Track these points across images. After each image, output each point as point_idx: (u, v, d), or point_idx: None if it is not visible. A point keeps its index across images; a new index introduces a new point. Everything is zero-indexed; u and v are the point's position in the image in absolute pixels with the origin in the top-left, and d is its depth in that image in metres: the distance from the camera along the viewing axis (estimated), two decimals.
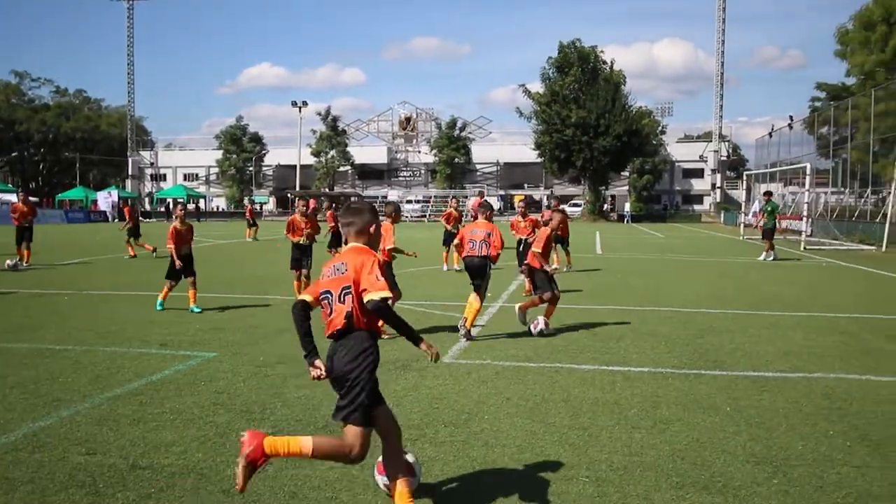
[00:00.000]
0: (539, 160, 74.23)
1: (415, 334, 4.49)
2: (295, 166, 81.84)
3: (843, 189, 43.27)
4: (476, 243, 9.69)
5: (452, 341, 9.31)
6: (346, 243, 4.52)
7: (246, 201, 66.34)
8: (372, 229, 4.47)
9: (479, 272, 9.69)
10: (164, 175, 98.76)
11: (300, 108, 76.99)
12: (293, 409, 6.35)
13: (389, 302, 4.22)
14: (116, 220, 64.01)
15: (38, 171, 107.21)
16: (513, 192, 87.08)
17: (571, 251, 18.88)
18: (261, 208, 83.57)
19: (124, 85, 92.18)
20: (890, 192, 31.35)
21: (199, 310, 11.50)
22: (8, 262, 18.26)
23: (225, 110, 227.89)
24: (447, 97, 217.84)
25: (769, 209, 23.23)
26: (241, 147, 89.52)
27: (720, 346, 9.11)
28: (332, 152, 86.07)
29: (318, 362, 4.53)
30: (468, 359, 8.35)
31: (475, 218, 10.63)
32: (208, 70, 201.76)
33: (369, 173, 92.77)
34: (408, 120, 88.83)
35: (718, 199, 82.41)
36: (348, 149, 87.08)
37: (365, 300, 4.20)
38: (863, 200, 39.22)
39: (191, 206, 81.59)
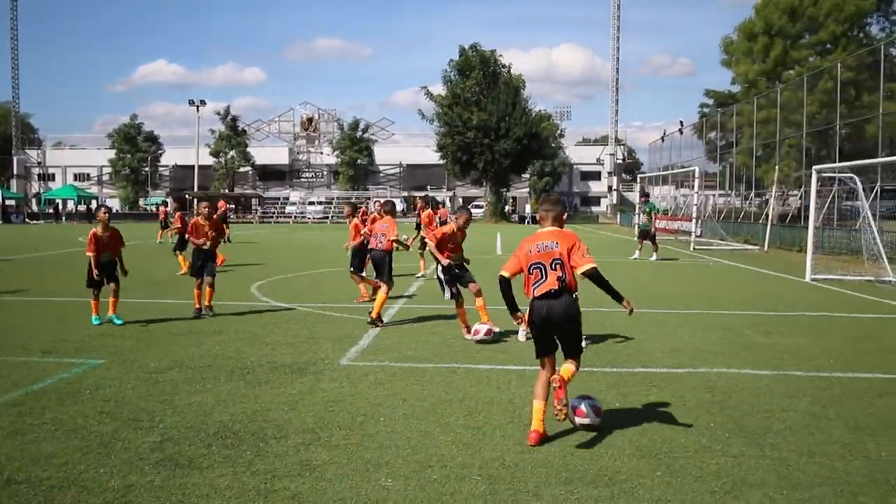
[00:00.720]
0: (441, 162, 74.70)
1: (617, 293, 6.05)
2: (193, 167, 79.67)
3: (729, 192, 45.32)
4: (378, 237, 11.09)
5: (350, 343, 9.28)
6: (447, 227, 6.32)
7: (170, 204, 63.00)
8: (563, 217, 6.13)
9: (379, 263, 10.97)
10: (53, 175, 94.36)
11: (198, 106, 75.00)
12: (184, 415, 6.18)
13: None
14: None
15: None
16: (416, 193, 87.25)
17: (472, 253, 19.05)
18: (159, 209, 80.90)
19: (8, 80, 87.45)
20: (771, 196, 33.06)
21: (121, 321, 10.45)
22: None
23: (118, 108, 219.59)
24: (349, 99, 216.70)
25: (647, 210, 24.18)
26: (136, 146, 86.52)
27: (611, 344, 9.40)
28: (232, 153, 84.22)
29: (519, 313, 6.08)
30: (365, 361, 8.33)
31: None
32: (100, 66, 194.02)
33: (270, 174, 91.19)
34: (309, 121, 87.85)
35: (615, 201, 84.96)
36: (249, 149, 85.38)
37: (581, 270, 5.78)
38: (748, 203, 41.21)
39: (82, 208, 78.44)
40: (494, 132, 65.04)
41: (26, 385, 7.10)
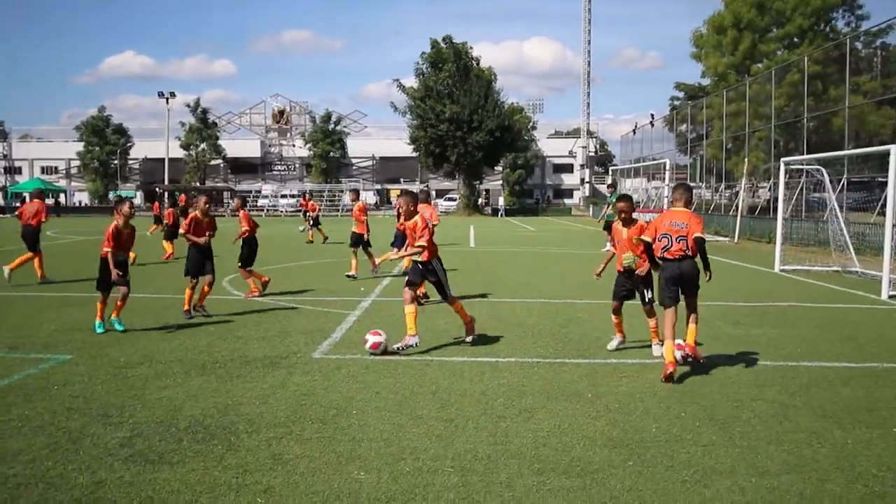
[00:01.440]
0: (414, 155, 74.52)
1: (707, 263, 7.58)
2: (163, 160, 78.77)
3: (700, 184, 45.72)
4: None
5: (322, 336, 9.24)
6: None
7: (166, 199, 61.30)
8: (692, 200, 7.77)
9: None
10: (20, 168, 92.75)
11: (167, 99, 74.02)
12: (154, 410, 6.12)
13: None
14: None
15: None
16: (389, 186, 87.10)
17: (445, 244, 19.06)
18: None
19: None
20: (741, 188, 33.41)
21: (122, 328, 9.49)
22: None
23: (86, 100, 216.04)
24: (321, 91, 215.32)
25: (612, 201, 24.23)
26: (105, 139, 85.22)
27: (583, 336, 9.46)
28: (203, 145, 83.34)
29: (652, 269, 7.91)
30: (338, 354, 8.30)
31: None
32: (67, 57, 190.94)
33: (242, 167, 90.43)
34: (281, 113, 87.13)
35: (587, 194, 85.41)
36: (220, 142, 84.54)
37: (695, 236, 7.39)
38: (718, 195, 41.60)
39: (49, 201, 77.25)
40: (467, 124, 64.97)
41: None
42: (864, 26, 46.56)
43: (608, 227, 24.05)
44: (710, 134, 43.74)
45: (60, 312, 10.98)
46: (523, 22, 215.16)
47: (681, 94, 59.12)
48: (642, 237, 7.83)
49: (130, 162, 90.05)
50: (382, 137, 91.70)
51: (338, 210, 70.92)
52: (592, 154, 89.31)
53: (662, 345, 7.65)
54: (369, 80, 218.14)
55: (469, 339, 8.87)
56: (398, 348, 8.26)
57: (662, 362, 7.38)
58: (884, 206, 15.74)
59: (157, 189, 76.05)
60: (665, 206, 32.20)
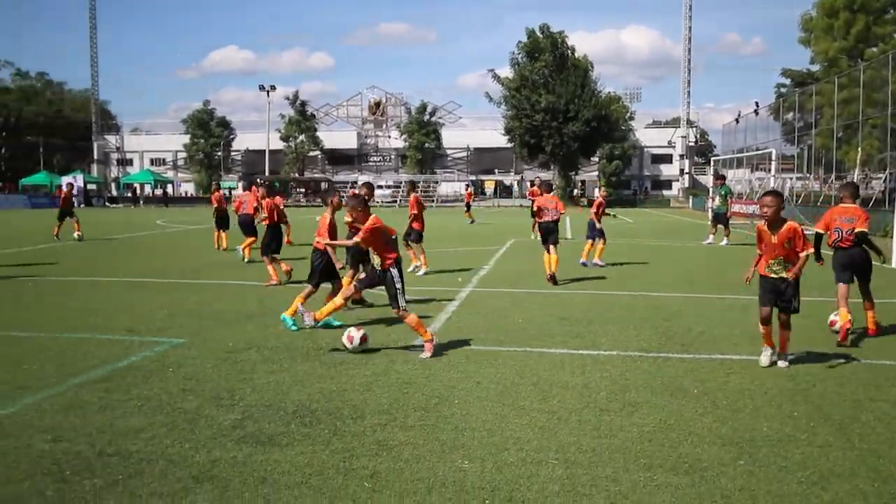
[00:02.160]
0: (509, 145, 74.34)
1: (878, 249, 8.93)
2: (264, 151, 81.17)
3: (808, 175, 43.92)
4: (549, 211, 13.50)
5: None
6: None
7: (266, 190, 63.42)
8: (853, 194, 9.31)
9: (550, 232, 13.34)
10: (131, 160, 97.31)
11: (268, 92, 76.31)
12: (263, 394, 6.31)
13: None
14: (82, 206, 63.09)
15: None
16: (483, 177, 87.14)
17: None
18: (230, 193, 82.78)
19: (87, 68, 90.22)
20: (854, 178, 31.88)
21: (339, 323, 9.05)
22: None
23: (191, 94, 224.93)
24: (415, 82, 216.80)
25: (722, 193, 23.41)
26: (209, 131, 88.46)
27: (687, 330, 9.21)
28: (302, 137, 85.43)
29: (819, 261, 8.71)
30: (438, 342, 8.34)
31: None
32: (174, 53, 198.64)
33: (339, 158, 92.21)
34: (377, 104, 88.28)
35: (687, 185, 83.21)
36: (318, 133, 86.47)
37: (857, 231, 8.56)
38: (827, 186, 39.83)
39: (158, 192, 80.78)
40: (563, 114, 64.38)
41: (112, 362, 7.35)
42: None
43: (718, 219, 23.37)
44: (818, 122, 41.92)
45: (172, 298, 11.45)
46: (620, 10, 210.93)
47: (787, 81, 56.88)
48: (816, 229, 8.82)
49: (233, 153, 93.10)
50: (477, 128, 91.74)
51: (433, 201, 71.33)
52: (692, 144, 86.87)
53: (772, 352, 7.45)
54: (464, 71, 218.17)
55: (425, 356, 7.65)
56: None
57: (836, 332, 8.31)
58: None
59: (258, 180, 78.53)
60: None
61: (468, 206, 38.33)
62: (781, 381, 6.86)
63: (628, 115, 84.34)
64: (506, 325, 9.42)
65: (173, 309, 10.44)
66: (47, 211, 53.65)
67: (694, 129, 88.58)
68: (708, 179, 63.87)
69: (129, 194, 75.81)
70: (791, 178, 44.69)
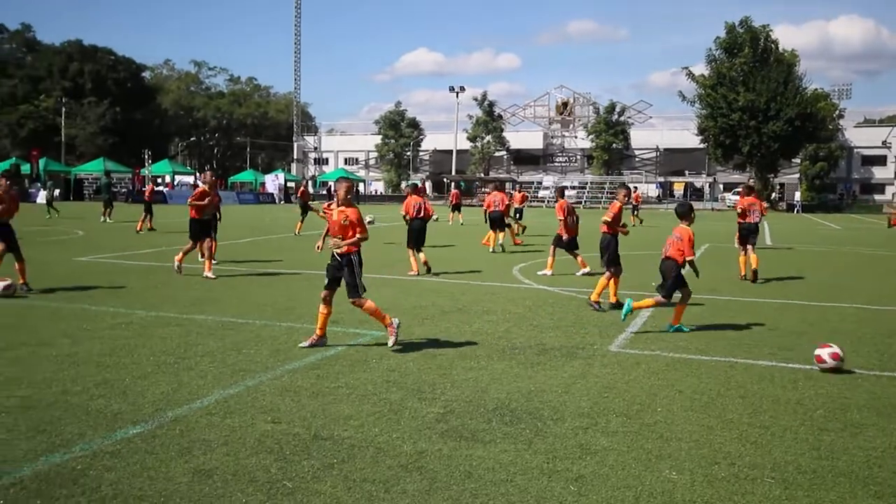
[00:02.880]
0: (702, 146, 71.42)
1: None
2: (451, 151, 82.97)
3: None
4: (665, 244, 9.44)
5: (617, 330, 9.13)
6: None
7: (453, 187, 65.22)
8: None
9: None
10: (327, 159, 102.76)
11: (458, 93, 77.88)
12: (462, 389, 6.42)
13: None
14: (282, 202, 67.44)
15: (212, 154, 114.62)
16: (672, 178, 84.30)
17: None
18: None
19: (291, 72, 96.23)
20: None
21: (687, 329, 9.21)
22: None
23: (383, 96, 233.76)
24: (603, 81, 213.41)
25: None
26: (400, 132, 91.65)
27: None
28: (488, 137, 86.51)
29: None
30: (636, 349, 8.15)
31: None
32: (368, 56, 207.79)
33: (524, 158, 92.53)
34: (564, 105, 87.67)
35: None
36: (504, 134, 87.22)
37: None
38: None
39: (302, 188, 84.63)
40: (763, 113, 60.99)
41: (321, 351, 7.75)
42: None
43: None
44: None
45: (372, 293, 11.89)
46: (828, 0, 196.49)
47: None
48: None
49: (421, 153, 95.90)
50: (667, 128, 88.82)
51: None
52: None
53: None
54: (654, 69, 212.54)
55: (391, 343, 7.89)
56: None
57: None
58: None
59: (444, 179, 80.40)
60: None
61: (457, 207, 33.71)
62: None
63: (836, 112, 78.36)
64: (707, 334, 9.02)
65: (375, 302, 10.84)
66: (252, 206, 57.75)
67: None
68: None
69: (325, 192, 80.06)
70: None
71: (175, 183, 70.88)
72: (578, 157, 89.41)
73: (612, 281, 10.74)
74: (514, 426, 5.48)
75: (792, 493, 4.40)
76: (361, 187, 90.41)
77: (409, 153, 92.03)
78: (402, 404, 5.97)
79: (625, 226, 11.22)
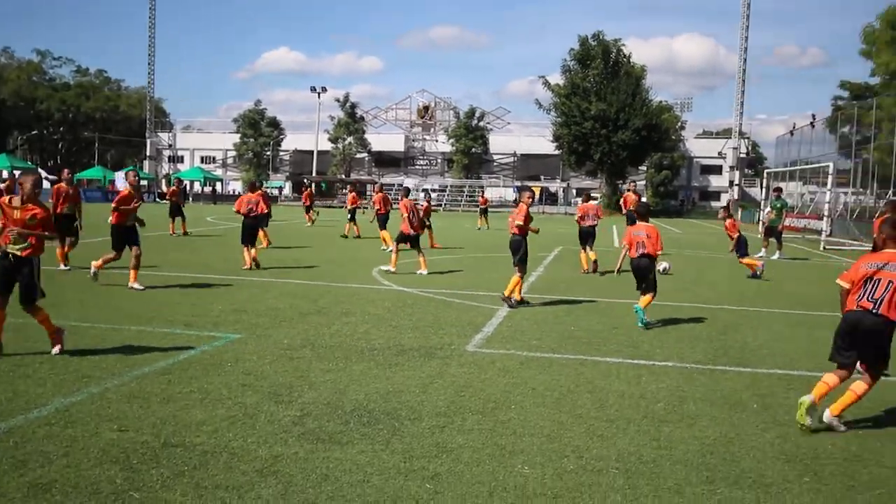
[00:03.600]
0: (557, 152, 74.00)
1: None
2: (312, 152, 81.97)
3: (863, 190, 42.92)
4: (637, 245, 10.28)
5: (474, 330, 9.32)
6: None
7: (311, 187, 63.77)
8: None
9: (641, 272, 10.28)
10: (182, 157, 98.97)
11: (319, 93, 77.07)
12: (320, 392, 6.37)
13: None
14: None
15: (56, 149, 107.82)
16: (529, 183, 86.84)
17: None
18: (279, 192, 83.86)
19: (145, 66, 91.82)
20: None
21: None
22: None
23: (243, 94, 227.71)
24: (464, 87, 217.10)
25: (778, 206, 22.85)
26: (259, 131, 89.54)
27: (744, 344, 9.07)
28: (350, 139, 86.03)
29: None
30: (491, 348, 8.35)
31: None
32: (227, 53, 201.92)
33: (386, 161, 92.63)
34: (426, 108, 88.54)
35: (736, 197, 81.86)
36: (366, 136, 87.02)
37: None
38: (882, 202, 38.87)
39: (207, 189, 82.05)
40: (613, 123, 63.87)
41: (173, 355, 7.48)
42: None
43: (770, 232, 22.89)
44: (877, 137, 40.95)
45: (227, 294, 11.62)
46: (674, 18, 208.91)
47: (845, 94, 55.66)
48: (840, 281, 6.21)
49: (281, 153, 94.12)
50: (524, 134, 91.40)
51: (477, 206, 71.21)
52: (743, 156, 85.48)
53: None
54: (513, 77, 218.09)
55: (55, 350, 7.32)
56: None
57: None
58: None
59: (304, 180, 79.33)
60: (824, 213, 30.42)
61: (309, 208, 33.75)
62: None
63: (679, 124, 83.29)
64: (559, 333, 9.37)
65: (228, 305, 10.59)
66: (101, 204, 54.83)
67: (745, 140, 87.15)
68: (758, 192, 62.83)
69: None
70: (846, 193, 43.69)
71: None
72: (439, 160, 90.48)
73: (516, 280, 11.22)
74: (371, 427, 5.50)
75: (634, 481, 4.65)
76: (219, 186, 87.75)
77: (268, 153, 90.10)
78: (257, 408, 5.86)
79: (535, 226, 11.87)
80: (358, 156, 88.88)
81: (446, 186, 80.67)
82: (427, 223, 25.40)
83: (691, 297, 13.18)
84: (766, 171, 48.71)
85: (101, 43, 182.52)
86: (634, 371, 7.51)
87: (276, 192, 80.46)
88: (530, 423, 5.71)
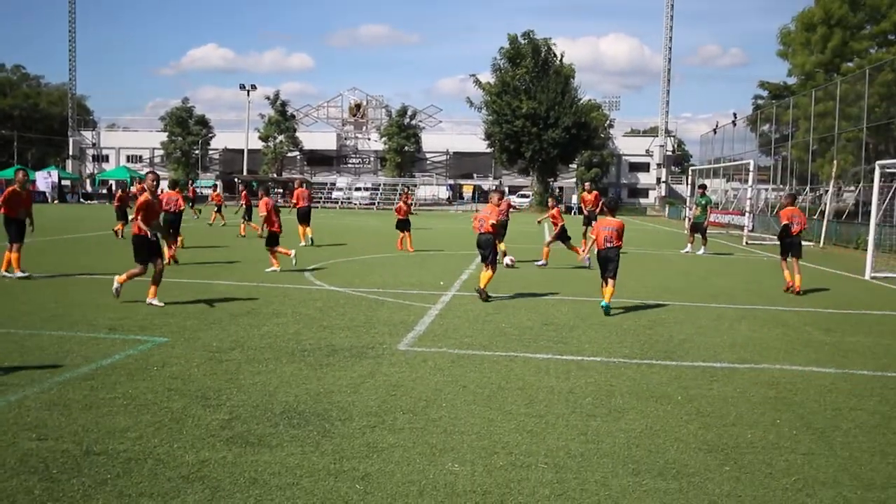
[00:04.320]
0: (488, 150, 74.52)
1: None
2: (242, 150, 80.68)
3: (783, 186, 44.43)
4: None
5: (406, 329, 9.33)
6: None
7: (230, 185, 63.56)
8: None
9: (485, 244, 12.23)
10: (107, 156, 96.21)
11: (248, 91, 75.87)
12: (249, 394, 6.29)
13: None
14: (56, 202, 62.39)
15: None
16: (462, 181, 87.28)
17: (520, 242, 19.02)
18: (214, 191, 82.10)
19: (66, 62, 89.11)
20: (827, 191, 32.33)
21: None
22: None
23: (169, 91, 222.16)
24: (396, 85, 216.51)
25: (703, 202, 23.56)
26: (187, 129, 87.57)
27: (670, 337, 9.30)
28: (281, 137, 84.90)
29: None
30: (423, 347, 8.37)
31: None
32: (152, 49, 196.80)
33: (318, 159, 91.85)
34: (357, 107, 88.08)
35: (663, 194, 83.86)
36: (297, 134, 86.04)
37: None
38: (801, 198, 40.33)
39: (135, 189, 79.89)
40: (543, 121, 64.62)
41: (96, 360, 7.28)
42: None
43: (696, 228, 23.55)
44: (794, 135, 42.47)
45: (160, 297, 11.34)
46: (601, 18, 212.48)
47: (765, 93, 57.52)
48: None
49: (211, 152, 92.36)
50: (456, 133, 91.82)
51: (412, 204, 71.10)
52: (670, 153, 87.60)
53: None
54: (443, 75, 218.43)
55: None
56: None
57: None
58: None
59: (235, 179, 78.01)
60: (746, 208, 31.41)
61: (218, 209, 31.74)
62: (763, 389, 6.95)
63: (607, 123, 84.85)
64: (490, 330, 9.45)
65: (155, 308, 10.35)
66: None
67: (671, 138, 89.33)
68: (684, 189, 64.44)
69: (105, 191, 74.99)
70: (766, 189, 45.19)
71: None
72: (372, 158, 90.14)
73: (489, 275, 12.00)
74: (301, 429, 5.46)
75: (562, 475, 4.73)
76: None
77: (197, 151, 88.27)
78: (184, 412, 5.75)
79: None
80: (290, 154, 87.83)
81: (379, 185, 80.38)
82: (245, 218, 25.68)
83: (619, 291, 13.41)
84: (691, 168, 50.05)
85: (19, 37, 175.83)
86: (564, 367, 7.63)
87: (209, 191, 78.79)
88: (461, 421, 5.75)
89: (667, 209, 67.55)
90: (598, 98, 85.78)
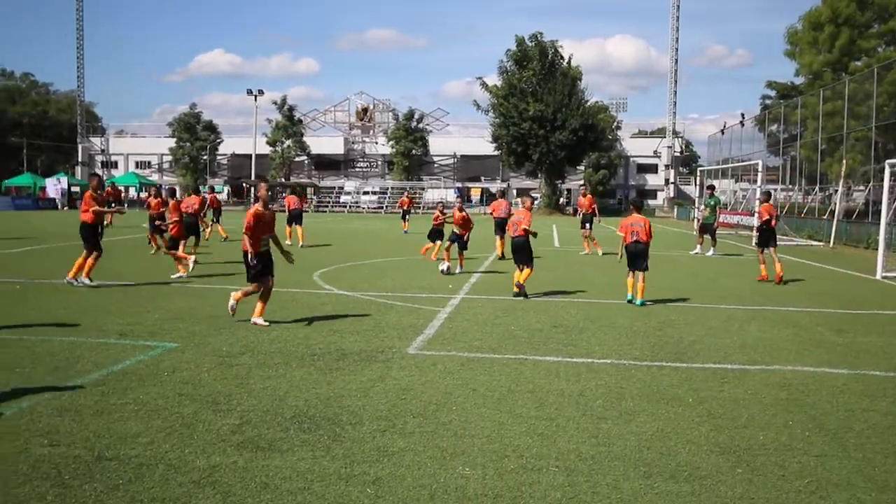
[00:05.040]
0: (496, 153, 74.48)
1: None
2: (250, 155, 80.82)
3: (791, 186, 44.28)
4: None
5: (415, 332, 9.33)
6: None
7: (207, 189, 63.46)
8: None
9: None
10: (116, 162, 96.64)
11: (256, 96, 76.01)
12: (260, 399, 6.30)
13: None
14: (66, 208, 62.62)
15: None
16: (470, 184, 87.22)
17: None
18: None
19: (74, 69, 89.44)
20: (837, 190, 32.18)
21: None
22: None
23: (177, 97, 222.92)
24: (402, 89, 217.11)
25: (711, 203, 23.47)
26: (195, 135, 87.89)
27: (680, 339, 9.27)
28: (289, 142, 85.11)
29: None
30: (432, 350, 8.37)
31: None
32: (160, 55, 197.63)
33: (326, 163, 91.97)
34: (365, 111, 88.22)
35: (672, 195, 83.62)
36: (305, 139, 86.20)
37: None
38: (810, 198, 40.18)
39: (143, 195, 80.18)
40: (550, 123, 64.60)
41: (107, 366, 7.30)
42: None
43: (705, 229, 23.47)
44: (803, 134, 42.31)
45: (163, 302, 11.39)
46: (607, 19, 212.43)
47: (772, 93, 57.36)
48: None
49: (219, 157, 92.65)
50: (463, 136, 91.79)
51: (419, 207, 71.22)
52: (678, 154, 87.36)
53: None
54: (450, 78, 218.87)
55: None
56: None
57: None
58: None
59: (243, 184, 78.27)
60: (755, 209, 31.28)
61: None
62: (775, 390, 6.92)
63: (615, 124, 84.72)
64: (499, 333, 9.44)
65: (165, 313, 10.38)
66: (31, 212, 53.16)
67: (679, 139, 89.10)
68: (692, 190, 64.22)
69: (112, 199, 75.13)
70: (775, 189, 45.02)
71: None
72: (379, 162, 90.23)
73: (527, 273, 12.60)
74: (312, 433, 5.46)
75: (573, 479, 4.72)
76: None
77: (205, 157, 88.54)
78: (195, 417, 5.76)
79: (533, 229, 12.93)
80: (297, 159, 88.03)
81: (387, 188, 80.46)
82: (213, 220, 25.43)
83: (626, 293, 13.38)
84: (699, 169, 49.92)
85: (28, 46, 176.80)
86: (574, 369, 7.61)
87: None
88: (471, 425, 5.74)
89: (675, 210, 67.36)
90: (605, 100, 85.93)
